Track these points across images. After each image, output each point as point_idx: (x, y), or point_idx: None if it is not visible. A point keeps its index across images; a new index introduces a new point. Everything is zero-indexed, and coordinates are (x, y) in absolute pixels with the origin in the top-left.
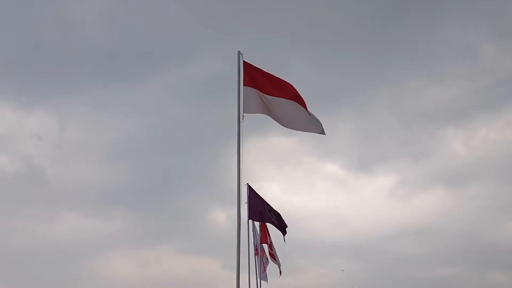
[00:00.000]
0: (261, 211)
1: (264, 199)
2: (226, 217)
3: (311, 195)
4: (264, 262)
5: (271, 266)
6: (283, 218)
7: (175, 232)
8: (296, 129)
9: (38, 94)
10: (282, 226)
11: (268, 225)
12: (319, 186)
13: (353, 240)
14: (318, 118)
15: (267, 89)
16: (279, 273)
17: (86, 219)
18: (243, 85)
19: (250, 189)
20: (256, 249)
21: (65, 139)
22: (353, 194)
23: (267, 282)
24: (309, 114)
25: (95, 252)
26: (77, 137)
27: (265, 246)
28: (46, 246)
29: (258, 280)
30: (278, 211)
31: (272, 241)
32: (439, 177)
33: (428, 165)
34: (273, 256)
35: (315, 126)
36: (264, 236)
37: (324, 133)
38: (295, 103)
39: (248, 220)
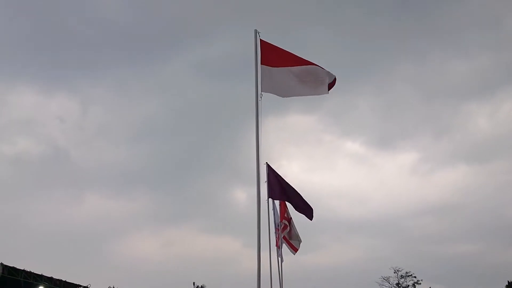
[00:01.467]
0: (281, 190)
1: (285, 179)
2: (246, 196)
3: (331, 173)
4: (280, 240)
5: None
6: (307, 202)
7: (197, 211)
8: (318, 94)
9: (60, 78)
10: (305, 209)
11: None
12: (340, 164)
13: (374, 217)
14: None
15: (286, 62)
16: (294, 251)
17: (110, 200)
18: (261, 63)
19: (269, 168)
20: (276, 227)
21: (87, 121)
22: (374, 171)
23: (282, 261)
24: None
25: (119, 232)
26: (99, 119)
27: (283, 224)
28: (72, 227)
29: (279, 257)
30: (301, 196)
31: (292, 218)
32: (461, 153)
33: (451, 141)
34: (290, 235)
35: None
36: (283, 214)
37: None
38: (315, 66)
39: (268, 198)
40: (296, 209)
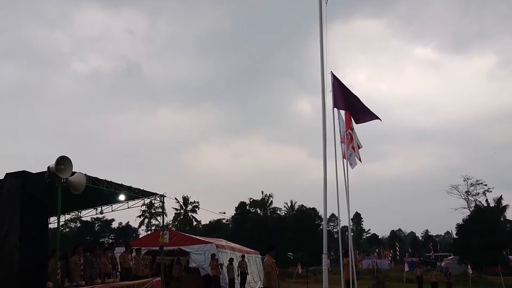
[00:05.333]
0: (345, 99)
1: (350, 89)
2: (311, 107)
3: (399, 81)
4: (349, 148)
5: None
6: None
7: (263, 122)
8: None
9: None
10: (370, 115)
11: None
12: (409, 71)
13: (446, 125)
14: None
15: None
16: (359, 161)
17: (180, 112)
18: None
19: (334, 77)
20: (342, 137)
21: (156, 34)
22: (447, 77)
23: (351, 167)
24: None
25: (190, 144)
26: (167, 31)
27: (349, 133)
28: (146, 139)
29: (345, 166)
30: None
31: (354, 128)
32: None
33: None
34: (356, 144)
35: None
36: (348, 124)
37: None
38: None
39: (333, 108)
40: (359, 121)
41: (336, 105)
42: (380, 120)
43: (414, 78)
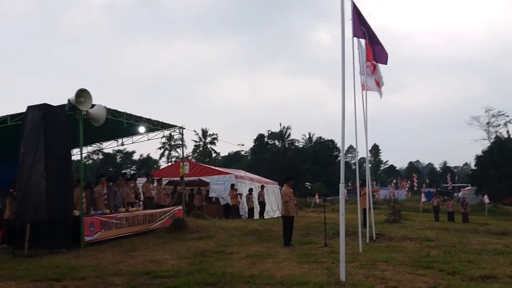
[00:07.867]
0: (367, 28)
1: (369, 17)
2: (331, 37)
3: (421, 10)
4: (374, 78)
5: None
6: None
7: (281, 53)
8: None
9: None
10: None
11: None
12: None
13: (469, 55)
14: None
15: None
16: (380, 94)
17: (198, 44)
18: None
19: (354, 5)
20: (363, 67)
21: None
22: (472, 3)
23: (380, 97)
24: None
25: (209, 76)
26: None
27: (372, 64)
28: (164, 72)
29: (364, 98)
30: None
31: (377, 59)
32: None
33: None
34: (378, 76)
35: None
36: (371, 54)
37: None
38: None
39: (353, 37)
40: (378, 61)
41: (355, 34)
42: (386, 64)
43: (438, 5)
